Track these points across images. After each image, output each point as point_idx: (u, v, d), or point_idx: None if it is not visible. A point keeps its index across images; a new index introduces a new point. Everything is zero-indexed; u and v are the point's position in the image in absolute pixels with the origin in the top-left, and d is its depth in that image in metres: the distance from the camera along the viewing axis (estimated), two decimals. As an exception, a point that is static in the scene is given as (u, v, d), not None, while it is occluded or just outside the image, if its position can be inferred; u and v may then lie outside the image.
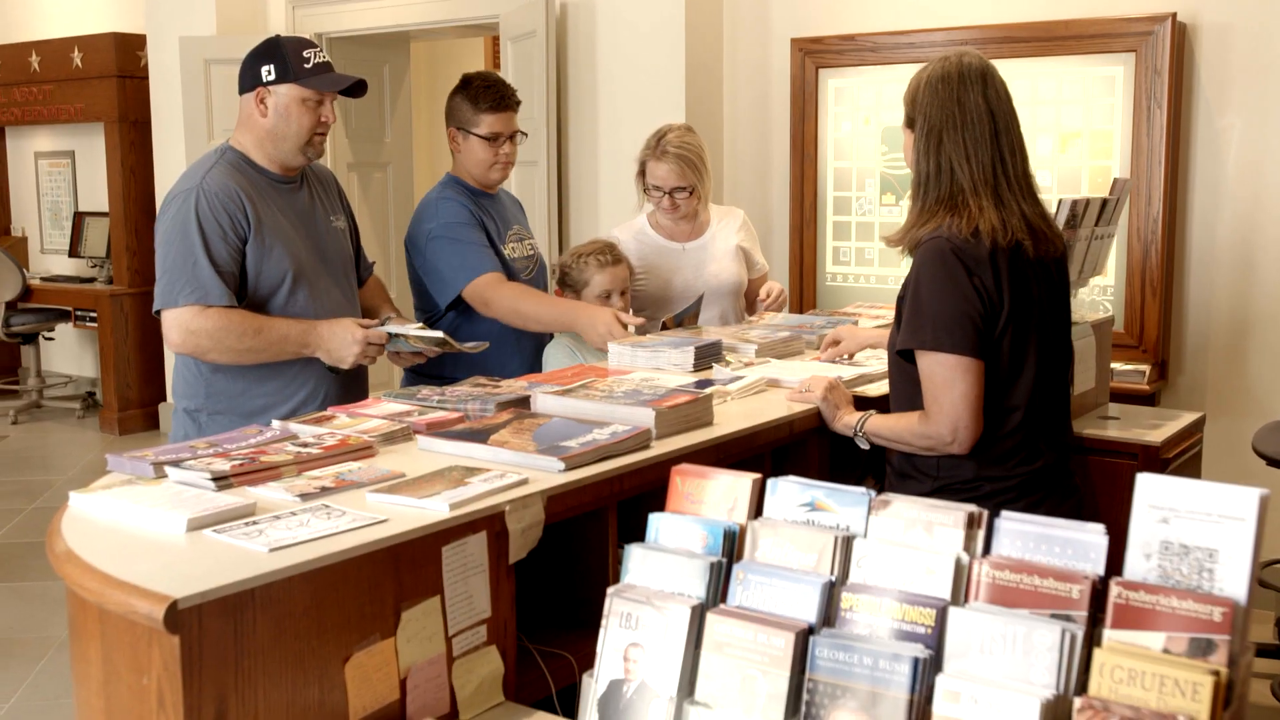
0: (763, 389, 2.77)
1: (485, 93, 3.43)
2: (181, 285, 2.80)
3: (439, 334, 2.92)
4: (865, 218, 5.24)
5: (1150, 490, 1.33)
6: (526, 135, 3.64)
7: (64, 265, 8.83)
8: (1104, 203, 3.62)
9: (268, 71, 2.93)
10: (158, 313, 2.87)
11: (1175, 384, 4.75)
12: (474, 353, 3.04)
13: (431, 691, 1.80)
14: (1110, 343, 4.03)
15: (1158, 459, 3.41)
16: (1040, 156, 4.81)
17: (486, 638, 1.89)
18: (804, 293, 5.37)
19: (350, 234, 3.22)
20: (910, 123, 2.47)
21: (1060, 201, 3.40)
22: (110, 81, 7.97)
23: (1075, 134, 4.74)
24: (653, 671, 1.51)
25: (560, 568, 2.25)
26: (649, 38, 5.41)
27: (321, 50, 3.01)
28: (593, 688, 1.57)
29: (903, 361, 2.45)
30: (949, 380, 2.33)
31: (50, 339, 8.97)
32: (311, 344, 2.88)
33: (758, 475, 1.63)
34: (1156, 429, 3.56)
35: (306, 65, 2.93)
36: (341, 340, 2.87)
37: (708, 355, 2.98)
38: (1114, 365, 4.48)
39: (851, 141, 5.23)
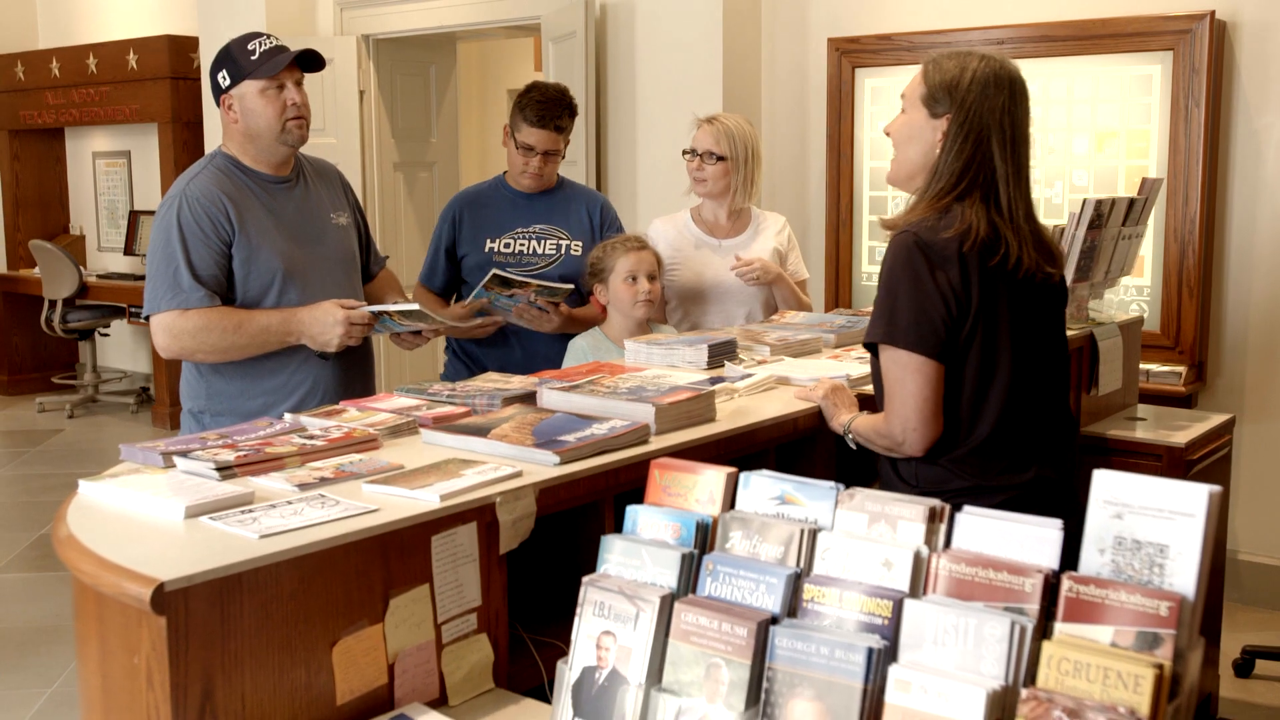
0: (772, 386, 2.78)
1: (534, 105, 3.61)
2: (164, 291, 2.85)
3: (415, 305, 2.93)
4: (901, 217, 5.22)
5: (1105, 486, 1.34)
6: (564, 158, 3.79)
7: (119, 263, 9.01)
8: (1130, 202, 3.60)
9: (223, 78, 2.97)
10: (146, 319, 2.92)
11: (1213, 386, 4.69)
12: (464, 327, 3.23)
13: (420, 677, 1.84)
14: (1139, 343, 3.99)
15: (1182, 461, 3.38)
16: (1076, 156, 4.77)
17: (477, 626, 1.93)
18: (839, 292, 5.37)
19: (357, 229, 3.24)
20: (934, 107, 2.38)
21: (1085, 201, 3.38)
22: (164, 83, 8.15)
23: (1112, 133, 4.70)
24: (624, 659, 1.54)
25: (558, 559, 2.28)
26: (687, 38, 5.43)
27: (270, 37, 3.00)
28: (567, 674, 1.60)
29: (872, 356, 2.42)
30: (900, 378, 2.29)
31: (106, 335, 9.17)
32: (294, 331, 2.90)
33: (733, 469, 1.65)
34: (1183, 430, 3.52)
35: (253, 57, 2.94)
36: (323, 323, 2.88)
37: (722, 353, 3.00)
38: (1150, 367, 4.44)
39: (888, 141, 5.20)
